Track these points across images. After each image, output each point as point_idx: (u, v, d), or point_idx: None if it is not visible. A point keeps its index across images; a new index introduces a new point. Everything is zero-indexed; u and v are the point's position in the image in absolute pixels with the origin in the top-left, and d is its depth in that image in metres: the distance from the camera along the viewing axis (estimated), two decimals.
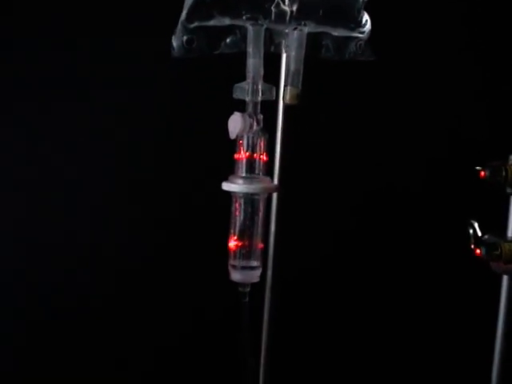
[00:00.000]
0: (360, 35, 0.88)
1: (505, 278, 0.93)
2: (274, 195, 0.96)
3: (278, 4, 0.83)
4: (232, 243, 0.87)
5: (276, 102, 0.92)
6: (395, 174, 1.22)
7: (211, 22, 0.83)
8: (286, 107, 0.92)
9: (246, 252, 0.87)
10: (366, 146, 1.19)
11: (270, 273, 1.00)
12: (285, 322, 1.06)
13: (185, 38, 0.86)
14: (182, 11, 0.81)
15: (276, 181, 0.96)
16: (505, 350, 0.91)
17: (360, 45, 0.89)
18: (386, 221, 1.23)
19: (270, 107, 0.89)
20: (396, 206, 1.23)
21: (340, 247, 1.22)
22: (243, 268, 0.87)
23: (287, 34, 0.87)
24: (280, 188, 0.96)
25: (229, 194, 0.87)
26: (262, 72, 0.86)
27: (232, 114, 0.85)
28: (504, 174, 0.90)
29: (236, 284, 0.88)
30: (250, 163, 0.87)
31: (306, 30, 0.86)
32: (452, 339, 1.26)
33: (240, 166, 0.87)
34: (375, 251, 1.23)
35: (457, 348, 1.25)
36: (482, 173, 0.91)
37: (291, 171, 0.95)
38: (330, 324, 1.23)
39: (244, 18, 0.83)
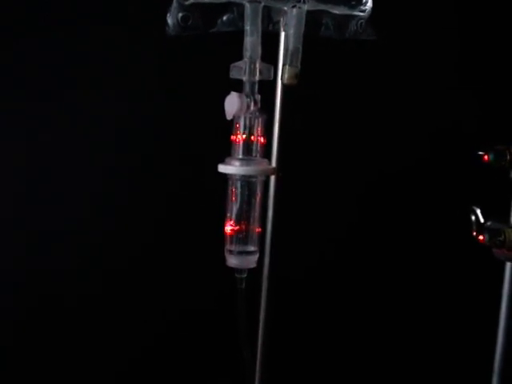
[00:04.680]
0: (361, 13, 0.86)
1: (508, 264, 0.91)
2: (272, 179, 0.94)
3: None
4: (228, 227, 0.85)
5: (274, 81, 0.89)
6: (397, 158, 1.19)
7: None
8: (284, 87, 0.89)
9: (242, 236, 0.85)
10: (367, 128, 1.16)
11: (267, 260, 0.97)
12: (282, 311, 1.03)
13: (180, 15, 0.85)
14: None
15: (274, 163, 0.93)
16: (508, 336, 0.89)
17: (361, 23, 0.87)
18: (388, 206, 1.20)
19: (268, 87, 0.87)
20: (398, 190, 1.20)
21: (340, 233, 1.19)
22: (240, 253, 0.85)
23: (286, 12, 0.85)
24: (278, 171, 0.94)
25: (225, 176, 0.85)
26: (259, 51, 0.84)
27: (229, 93, 0.83)
28: (508, 157, 0.88)
29: (232, 270, 0.86)
30: (247, 145, 0.85)
31: (306, 7, 0.83)
32: (455, 327, 1.23)
33: (237, 147, 0.85)
34: (375, 237, 1.20)
35: (459, 334, 1.23)
36: (486, 157, 0.89)
37: (290, 153, 0.92)
38: (329, 312, 1.20)
39: None
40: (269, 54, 0.85)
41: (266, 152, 0.92)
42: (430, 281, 1.23)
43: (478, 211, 0.93)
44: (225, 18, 0.86)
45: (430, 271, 1.23)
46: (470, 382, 1.06)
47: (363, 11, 0.86)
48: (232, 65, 0.84)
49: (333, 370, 1.23)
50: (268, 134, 0.92)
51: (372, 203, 1.20)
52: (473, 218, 0.94)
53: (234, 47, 0.83)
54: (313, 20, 0.86)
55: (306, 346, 1.20)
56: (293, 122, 0.90)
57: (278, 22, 0.87)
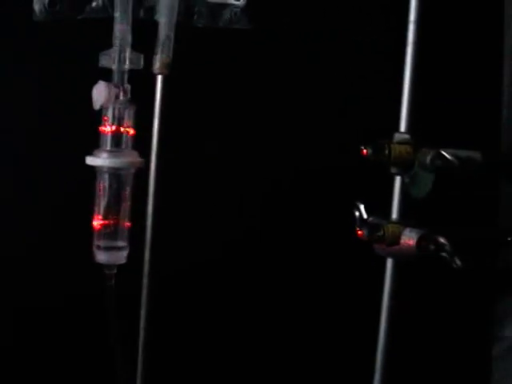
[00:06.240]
0: (235, 2, 0.85)
1: (389, 261, 0.90)
2: (152, 172, 0.90)
3: None
4: (96, 222, 0.83)
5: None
6: (281, 153, 1.16)
7: None
8: (164, 77, 0.86)
9: (111, 231, 0.83)
10: (254, 118, 1.11)
11: (147, 256, 0.93)
12: (165, 311, 0.99)
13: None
14: None
15: (154, 157, 0.90)
16: (388, 333, 0.87)
17: (235, 13, 0.85)
18: (273, 203, 1.15)
19: (148, 77, 0.84)
20: (283, 187, 1.17)
21: (225, 229, 1.15)
22: (108, 249, 0.83)
23: None
24: (158, 164, 0.91)
25: (94, 169, 0.82)
26: (129, 39, 0.82)
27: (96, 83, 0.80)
28: (387, 152, 0.87)
29: (102, 266, 0.83)
30: (116, 136, 0.82)
31: None
32: (336, 322, 1.20)
33: (105, 139, 0.82)
34: (260, 234, 1.16)
35: (341, 328, 1.19)
36: (365, 151, 0.87)
37: (171, 146, 0.89)
38: (214, 310, 1.16)
39: None
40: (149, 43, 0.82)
41: (146, 145, 0.89)
42: (312, 277, 1.19)
43: (362, 207, 0.93)
44: (94, 3, 0.83)
45: (311, 267, 1.19)
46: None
47: (238, 0, 0.84)
48: (101, 53, 0.81)
49: (218, 369, 1.19)
50: (148, 125, 0.89)
51: (256, 199, 1.16)
52: (356, 213, 0.93)
53: (104, 34, 0.80)
54: (185, 8, 0.84)
55: (190, 347, 1.16)
56: (174, 113, 0.87)
57: (151, 8, 0.85)
